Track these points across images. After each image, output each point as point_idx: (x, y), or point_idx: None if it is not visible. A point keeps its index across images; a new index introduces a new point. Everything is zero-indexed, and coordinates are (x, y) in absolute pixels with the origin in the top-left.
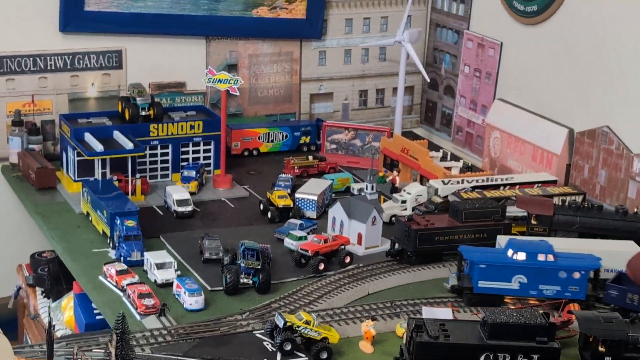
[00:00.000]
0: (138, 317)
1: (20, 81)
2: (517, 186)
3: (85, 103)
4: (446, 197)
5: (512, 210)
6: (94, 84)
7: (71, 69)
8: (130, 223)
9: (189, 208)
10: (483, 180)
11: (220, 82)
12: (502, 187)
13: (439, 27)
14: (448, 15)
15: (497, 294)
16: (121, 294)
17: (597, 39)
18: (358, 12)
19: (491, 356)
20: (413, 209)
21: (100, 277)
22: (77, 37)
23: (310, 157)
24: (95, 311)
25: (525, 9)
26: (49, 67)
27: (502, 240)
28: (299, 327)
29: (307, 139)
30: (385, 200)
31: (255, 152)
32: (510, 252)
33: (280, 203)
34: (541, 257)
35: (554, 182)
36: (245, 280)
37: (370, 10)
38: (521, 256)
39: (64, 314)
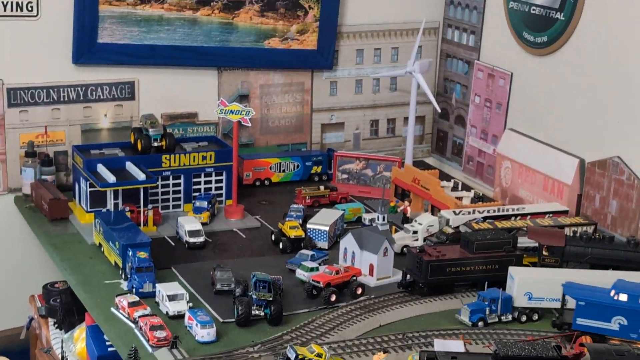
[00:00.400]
0: (150, 349)
1: (34, 113)
2: (528, 216)
3: (98, 134)
4: (457, 227)
5: (524, 241)
6: (107, 115)
7: (84, 100)
8: (143, 254)
9: (201, 239)
10: (494, 211)
11: (232, 113)
12: (513, 218)
13: (449, 58)
14: (458, 45)
15: (595, 333)
16: (133, 326)
17: (607, 70)
18: (369, 43)
19: None
20: (424, 240)
21: (113, 309)
22: (90, 69)
23: (322, 187)
24: (107, 343)
25: (535, 39)
26: (62, 99)
27: (513, 271)
28: (310, 359)
29: (319, 169)
30: (396, 231)
31: (266, 182)
32: (612, 293)
33: (292, 233)
34: None
35: (565, 213)
36: (257, 312)
37: (381, 41)
38: (623, 297)
39: (76, 346)
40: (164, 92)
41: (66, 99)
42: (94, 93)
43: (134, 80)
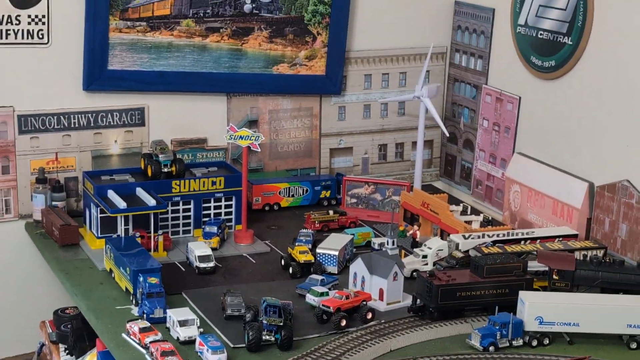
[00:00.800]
0: None
1: (45, 139)
2: (538, 240)
3: (108, 160)
4: (467, 251)
5: (533, 265)
6: (117, 141)
7: (94, 126)
8: (153, 280)
9: (211, 264)
10: (504, 235)
11: (242, 139)
12: (522, 242)
13: (457, 82)
14: (466, 70)
15: None
16: (144, 351)
17: (615, 93)
18: (377, 68)
19: None
20: (434, 264)
21: (124, 335)
22: (100, 95)
23: (331, 212)
24: None
25: (543, 64)
26: (72, 125)
27: (524, 296)
28: None
29: (328, 194)
30: (406, 255)
31: (276, 207)
32: None
33: (302, 258)
34: None
35: (574, 237)
36: (267, 337)
37: (389, 66)
38: None
39: None
40: (174, 118)
41: (77, 125)
42: (104, 119)
43: (144, 107)
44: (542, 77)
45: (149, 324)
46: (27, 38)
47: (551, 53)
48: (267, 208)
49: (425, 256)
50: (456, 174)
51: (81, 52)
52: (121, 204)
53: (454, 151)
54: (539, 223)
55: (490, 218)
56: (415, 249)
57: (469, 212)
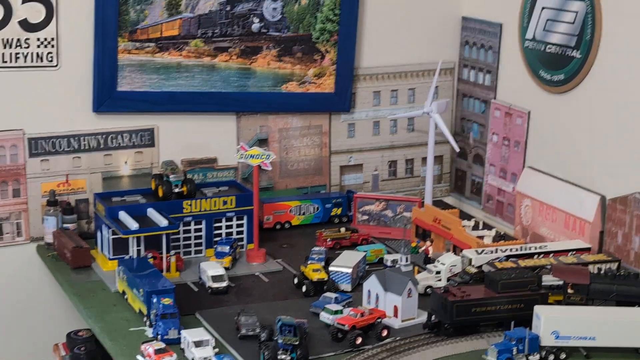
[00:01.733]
0: None
1: (55, 161)
2: (551, 254)
3: (119, 181)
4: (480, 267)
5: (547, 279)
6: (127, 162)
7: (104, 148)
8: (167, 301)
9: (224, 284)
10: (517, 250)
11: (253, 158)
12: (536, 256)
13: (465, 97)
14: (475, 85)
15: None
16: None
17: (625, 106)
18: (385, 84)
19: None
20: (447, 280)
21: (139, 357)
22: (110, 116)
23: (342, 229)
24: None
25: (552, 78)
26: (82, 147)
27: (539, 310)
28: None
29: (339, 211)
30: (419, 271)
31: (287, 225)
32: None
33: (315, 276)
34: None
35: (587, 250)
36: (283, 356)
37: (398, 83)
38: None
39: None
40: (184, 138)
41: (87, 147)
42: (114, 141)
43: (153, 127)
44: (551, 91)
45: (164, 345)
46: (37, 61)
47: (560, 67)
48: (278, 226)
49: (438, 272)
50: (467, 189)
51: (90, 74)
52: (133, 225)
53: (464, 166)
54: (551, 237)
55: (502, 233)
56: (428, 265)
57: (480, 227)
